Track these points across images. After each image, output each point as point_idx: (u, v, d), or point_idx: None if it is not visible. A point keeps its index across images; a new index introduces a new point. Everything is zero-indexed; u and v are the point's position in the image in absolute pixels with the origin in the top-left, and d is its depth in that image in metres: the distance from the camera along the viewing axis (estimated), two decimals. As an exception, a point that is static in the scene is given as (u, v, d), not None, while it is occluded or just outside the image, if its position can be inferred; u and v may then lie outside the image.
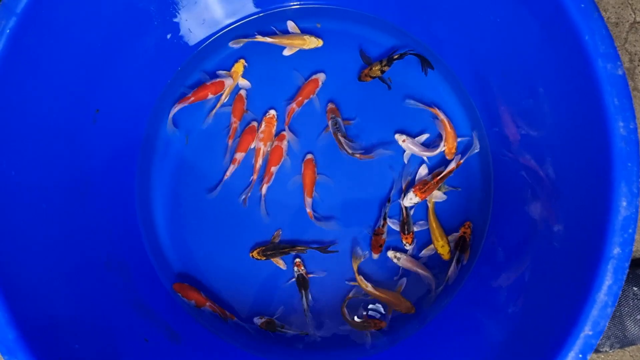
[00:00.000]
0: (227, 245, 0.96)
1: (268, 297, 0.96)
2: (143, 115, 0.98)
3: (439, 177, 0.90)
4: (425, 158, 0.94)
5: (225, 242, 0.96)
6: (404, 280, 0.93)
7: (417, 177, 0.94)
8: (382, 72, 0.92)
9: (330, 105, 0.96)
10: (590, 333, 0.64)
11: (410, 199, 0.91)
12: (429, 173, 0.94)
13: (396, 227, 0.93)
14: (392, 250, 0.93)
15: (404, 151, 0.94)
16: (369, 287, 0.91)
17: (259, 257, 0.93)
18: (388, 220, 0.93)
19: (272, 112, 0.96)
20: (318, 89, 0.95)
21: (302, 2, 0.97)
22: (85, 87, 0.84)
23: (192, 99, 0.94)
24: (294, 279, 0.94)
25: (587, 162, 0.69)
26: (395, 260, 0.92)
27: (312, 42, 0.91)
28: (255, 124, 0.96)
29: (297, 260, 0.94)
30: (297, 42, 0.90)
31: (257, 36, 0.94)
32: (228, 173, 0.95)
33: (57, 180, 0.82)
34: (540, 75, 0.76)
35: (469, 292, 0.92)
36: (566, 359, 0.65)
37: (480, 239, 0.95)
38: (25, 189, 0.75)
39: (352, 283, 0.94)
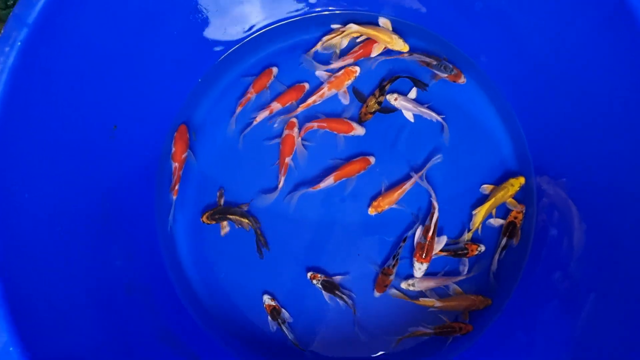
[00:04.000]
0: (250, 264, 0.91)
1: (294, 317, 0.90)
2: (162, 130, 0.93)
3: (430, 233, 0.85)
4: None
5: (249, 261, 0.91)
6: (455, 286, 0.87)
7: (415, 240, 0.87)
8: (379, 103, 0.88)
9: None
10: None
11: (419, 269, 0.85)
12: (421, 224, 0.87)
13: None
14: (402, 280, 0.88)
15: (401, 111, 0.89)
16: (436, 303, 0.86)
17: (208, 222, 0.89)
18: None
19: (357, 67, 0.89)
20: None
21: (338, 8, 0.92)
22: (102, 101, 0.79)
23: (361, 52, 0.89)
24: (322, 290, 0.88)
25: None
26: (412, 288, 0.87)
27: (399, 45, 0.87)
28: (307, 85, 0.91)
29: (310, 273, 0.88)
30: (383, 37, 0.86)
31: (342, 29, 0.89)
32: (258, 118, 0.90)
33: (73, 202, 0.76)
34: (596, 76, 0.69)
35: (526, 289, 0.86)
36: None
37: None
38: (39, 211, 0.70)
39: (420, 302, 0.88)
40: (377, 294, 0.88)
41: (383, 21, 0.90)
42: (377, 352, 0.88)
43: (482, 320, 0.88)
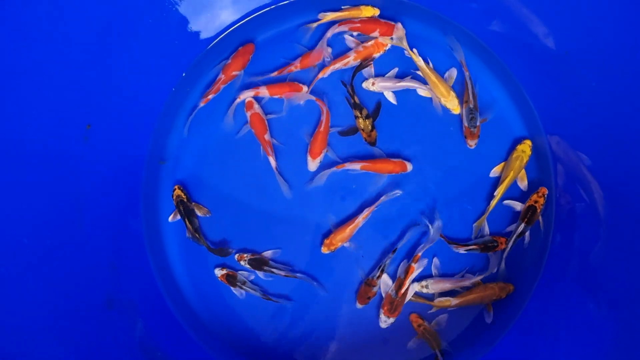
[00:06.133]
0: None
1: (299, 326, 0.84)
2: (146, 128, 0.86)
3: (402, 291, 0.79)
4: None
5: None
6: (472, 277, 0.82)
7: (382, 289, 0.82)
8: (368, 116, 0.84)
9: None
10: None
11: (385, 322, 0.81)
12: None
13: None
14: (416, 282, 0.82)
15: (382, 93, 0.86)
16: (451, 301, 0.81)
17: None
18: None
19: (388, 40, 0.85)
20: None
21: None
22: (73, 97, 0.73)
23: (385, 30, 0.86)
24: (249, 268, 0.83)
25: None
26: (426, 290, 0.82)
27: (453, 104, 0.85)
28: (305, 87, 0.85)
29: (236, 255, 0.83)
30: (441, 89, 0.85)
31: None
32: (242, 96, 0.85)
33: (40, 207, 0.71)
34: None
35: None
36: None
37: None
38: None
39: (434, 309, 0.82)
40: (359, 305, 0.83)
41: (450, 73, 0.86)
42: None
43: (506, 318, 0.83)
